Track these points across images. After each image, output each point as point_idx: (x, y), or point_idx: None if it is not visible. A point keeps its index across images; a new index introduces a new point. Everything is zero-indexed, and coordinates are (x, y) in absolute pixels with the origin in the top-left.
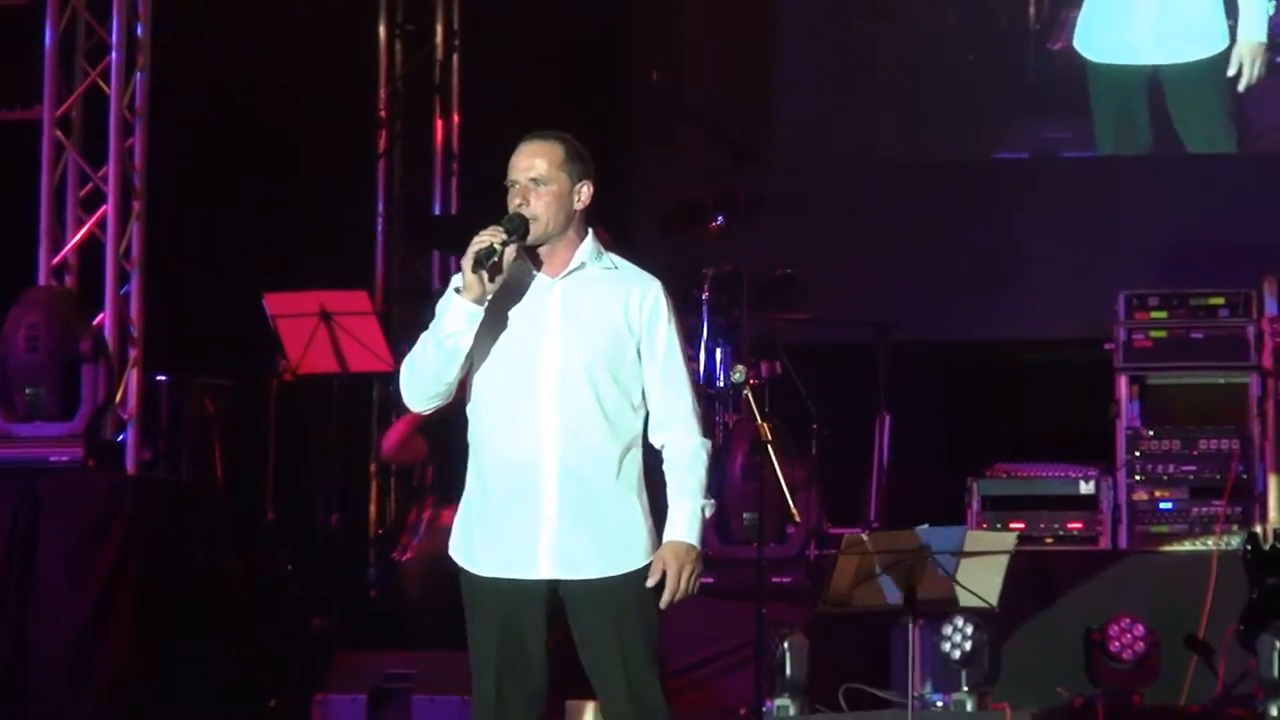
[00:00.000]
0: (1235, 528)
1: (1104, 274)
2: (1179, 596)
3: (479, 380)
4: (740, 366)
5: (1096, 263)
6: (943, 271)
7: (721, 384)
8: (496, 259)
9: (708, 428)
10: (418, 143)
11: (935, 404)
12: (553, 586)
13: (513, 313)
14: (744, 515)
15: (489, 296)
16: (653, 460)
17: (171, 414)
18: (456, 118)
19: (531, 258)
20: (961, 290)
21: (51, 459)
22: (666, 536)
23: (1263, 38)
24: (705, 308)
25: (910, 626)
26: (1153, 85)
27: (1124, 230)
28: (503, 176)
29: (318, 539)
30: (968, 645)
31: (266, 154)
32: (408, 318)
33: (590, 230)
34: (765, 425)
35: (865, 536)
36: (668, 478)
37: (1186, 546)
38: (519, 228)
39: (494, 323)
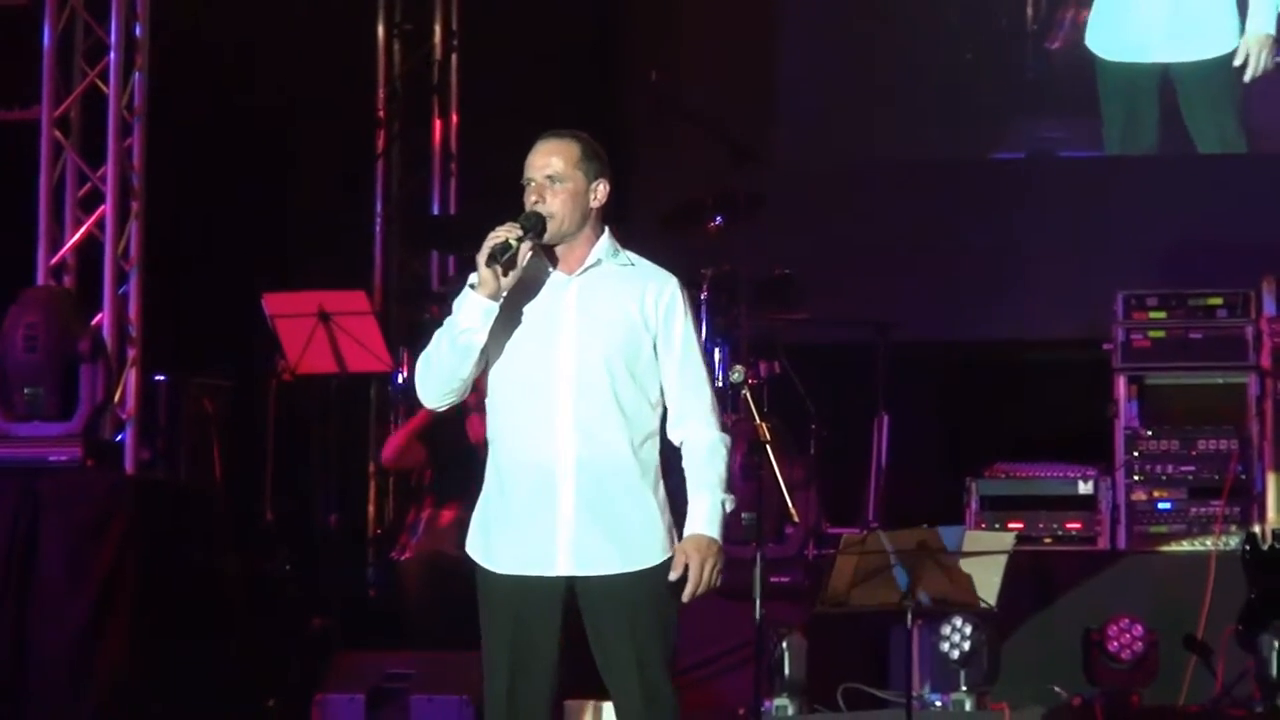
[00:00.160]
0: (1234, 528)
1: (1103, 274)
2: (1178, 597)
3: (496, 377)
4: (739, 366)
5: (1095, 263)
6: (942, 271)
7: (720, 384)
8: (511, 254)
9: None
10: (416, 143)
11: (934, 404)
12: (569, 584)
13: (528, 309)
14: (742, 515)
15: (504, 293)
16: (670, 456)
17: (170, 414)
18: (455, 118)
19: (547, 255)
20: (960, 290)
21: (50, 459)
22: (688, 531)
23: (1271, 30)
24: (704, 308)
25: (909, 626)
26: (1163, 85)
27: (1123, 230)
28: (502, 176)
29: (316, 539)
30: (966, 645)
31: (265, 154)
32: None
33: (606, 228)
34: (764, 425)
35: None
36: (687, 473)
37: (1185, 547)
38: (536, 225)
39: (510, 320)
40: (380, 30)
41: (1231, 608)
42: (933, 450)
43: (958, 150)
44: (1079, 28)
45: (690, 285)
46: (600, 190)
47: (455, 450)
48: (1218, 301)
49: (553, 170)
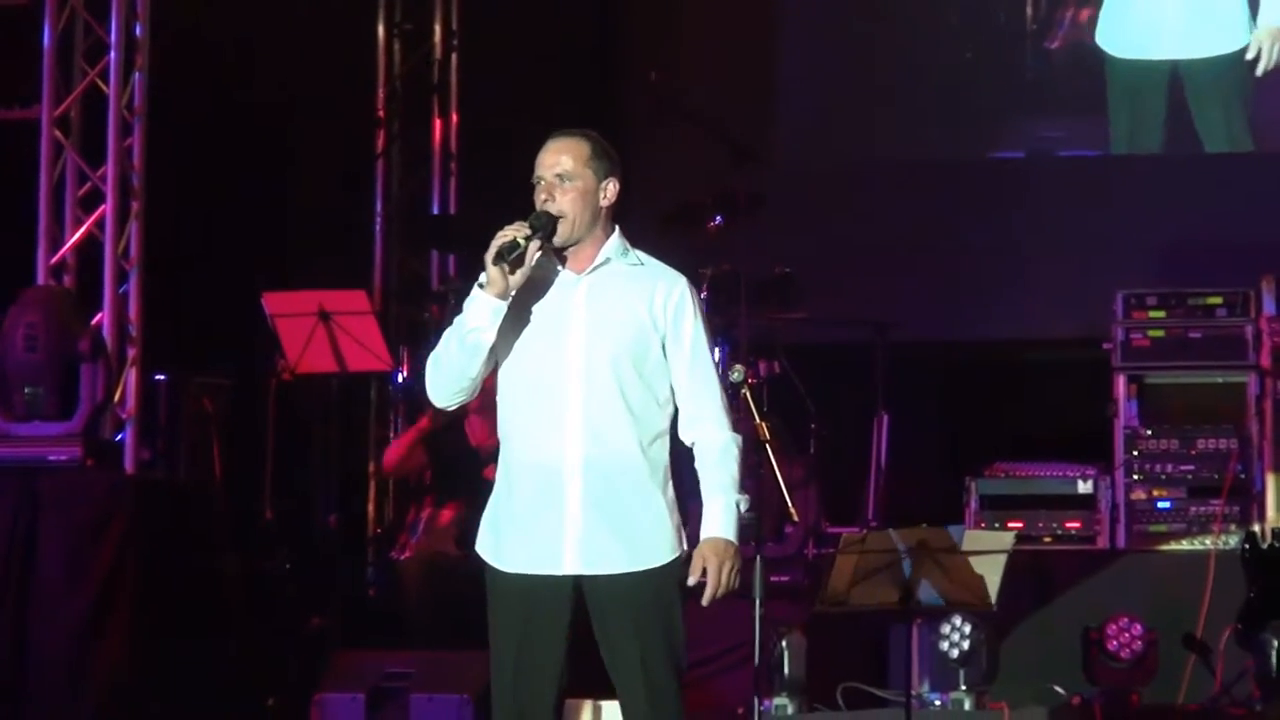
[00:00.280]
0: (1233, 527)
1: (1102, 273)
2: (1177, 596)
3: (505, 377)
4: (738, 366)
5: (1095, 262)
6: (942, 271)
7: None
8: (519, 253)
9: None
10: (416, 142)
11: (933, 403)
12: (576, 583)
13: (537, 308)
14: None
15: (512, 292)
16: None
17: (170, 413)
18: (455, 117)
19: (557, 254)
20: (960, 290)
21: (50, 458)
22: (704, 535)
23: None
24: (704, 307)
25: (909, 625)
26: (1171, 82)
27: (1123, 229)
28: (502, 176)
29: (316, 538)
30: (966, 644)
31: (265, 154)
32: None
33: (617, 227)
34: (763, 424)
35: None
36: (700, 475)
37: (1184, 546)
38: (546, 225)
39: (519, 319)
40: (380, 30)
41: (1231, 607)
42: (932, 450)
43: (957, 150)
44: (1078, 27)
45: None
46: (610, 189)
47: (455, 451)
48: (1217, 301)
49: (562, 169)
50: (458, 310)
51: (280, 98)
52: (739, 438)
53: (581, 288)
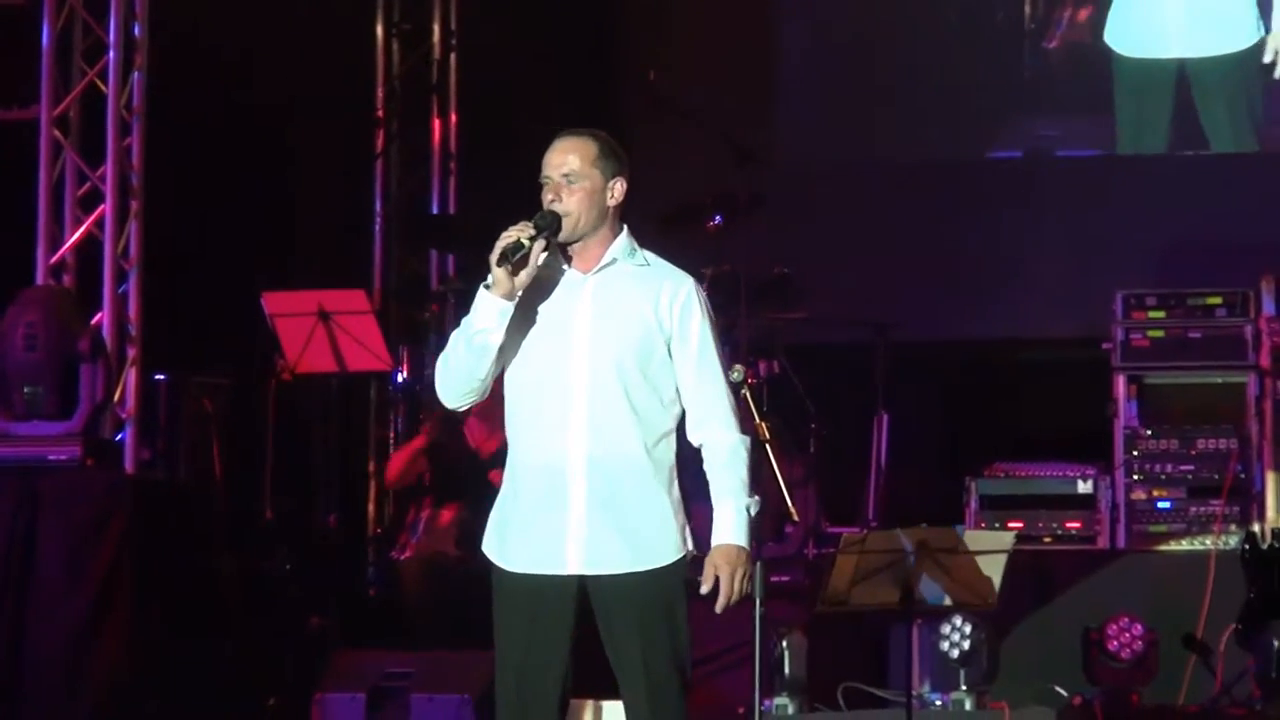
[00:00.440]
0: (1233, 527)
1: (1102, 273)
2: (1177, 596)
3: (511, 377)
4: (738, 366)
5: (1094, 262)
6: (941, 271)
7: None
8: (524, 254)
9: None
10: (415, 142)
11: (933, 403)
12: (581, 584)
13: (543, 309)
14: None
15: (518, 292)
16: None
17: (170, 413)
18: (454, 117)
19: (564, 254)
20: (960, 290)
21: (50, 458)
22: (715, 540)
23: None
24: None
25: (910, 625)
26: (1179, 84)
27: (1122, 229)
28: (501, 176)
29: (316, 538)
30: (966, 644)
31: (264, 153)
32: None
33: (625, 227)
34: (763, 424)
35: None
36: (709, 478)
37: (1184, 546)
38: (551, 224)
39: (525, 319)
40: (379, 30)
41: (1231, 607)
42: (932, 450)
43: (957, 150)
44: (1076, 26)
45: None
46: (618, 189)
47: (454, 452)
48: (1217, 301)
49: (569, 168)
50: (457, 310)
51: (279, 98)
52: (747, 439)
53: (588, 287)
